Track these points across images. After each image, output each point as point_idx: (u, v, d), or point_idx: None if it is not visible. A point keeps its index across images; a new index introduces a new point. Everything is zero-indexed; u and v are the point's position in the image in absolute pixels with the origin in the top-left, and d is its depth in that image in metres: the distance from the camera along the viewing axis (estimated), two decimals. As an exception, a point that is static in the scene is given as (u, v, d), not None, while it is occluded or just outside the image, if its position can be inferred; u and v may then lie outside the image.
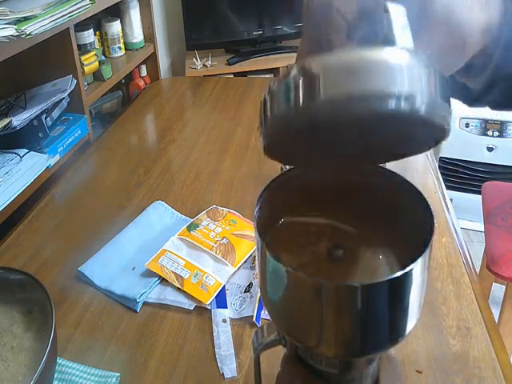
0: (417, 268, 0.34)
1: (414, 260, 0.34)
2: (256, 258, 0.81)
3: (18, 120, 1.07)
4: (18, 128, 1.07)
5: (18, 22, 0.94)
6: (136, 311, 0.76)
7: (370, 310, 0.34)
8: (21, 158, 1.09)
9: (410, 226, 0.41)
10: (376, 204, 0.45)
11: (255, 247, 0.83)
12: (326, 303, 0.34)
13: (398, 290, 0.34)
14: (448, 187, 2.01)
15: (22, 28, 0.93)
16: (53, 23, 1.04)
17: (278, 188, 0.44)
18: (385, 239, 0.41)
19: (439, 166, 2.05)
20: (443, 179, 1.11)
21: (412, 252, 0.39)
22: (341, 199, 0.46)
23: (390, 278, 0.33)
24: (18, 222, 1.00)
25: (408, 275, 0.33)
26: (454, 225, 0.93)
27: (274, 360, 0.66)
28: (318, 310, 0.35)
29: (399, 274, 0.33)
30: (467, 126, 1.99)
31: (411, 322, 0.37)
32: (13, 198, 0.99)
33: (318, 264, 0.39)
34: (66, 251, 0.90)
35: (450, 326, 0.70)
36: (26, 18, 0.96)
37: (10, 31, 0.91)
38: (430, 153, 1.21)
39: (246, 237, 0.87)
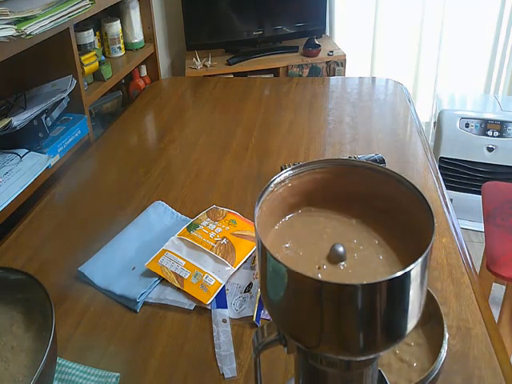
0: (417, 268, 0.34)
1: (414, 260, 0.34)
2: (256, 257, 0.81)
3: (18, 120, 1.07)
4: (18, 128, 1.07)
5: (17, 22, 0.94)
6: (136, 311, 0.76)
7: (370, 310, 0.34)
8: (21, 158, 1.09)
9: (410, 226, 0.41)
10: (376, 204, 0.45)
11: (255, 247, 0.83)
12: (326, 303, 0.34)
13: (398, 290, 0.34)
14: (448, 187, 2.01)
15: (22, 28, 0.93)
16: (53, 23, 1.04)
17: (278, 188, 0.44)
18: (385, 239, 0.41)
19: (439, 166, 2.05)
20: (443, 179, 1.11)
21: (412, 252, 0.39)
22: (341, 199, 0.46)
23: (390, 277, 0.33)
24: (18, 221, 1.00)
25: (408, 275, 0.33)
26: (454, 225, 0.93)
27: (274, 360, 0.66)
28: (318, 310, 0.35)
29: (399, 273, 0.33)
30: (467, 126, 1.99)
31: (411, 322, 0.37)
32: (13, 198, 0.99)
33: (319, 264, 0.39)
34: (66, 251, 0.90)
35: (450, 326, 0.70)
36: (26, 18, 0.96)
37: (10, 31, 0.91)
38: (430, 153, 1.21)
39: (245, 237, 0.87)
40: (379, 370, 0.49)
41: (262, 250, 0.37)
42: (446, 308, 0.73)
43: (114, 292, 0.78)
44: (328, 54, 2.06)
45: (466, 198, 2.06)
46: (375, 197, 0.44)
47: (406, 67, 2.40)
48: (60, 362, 0.66)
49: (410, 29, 2.33)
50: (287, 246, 0.42)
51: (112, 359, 0.68)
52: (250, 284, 0.79)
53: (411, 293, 0.35)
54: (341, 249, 0.39)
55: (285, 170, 0.44)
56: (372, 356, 0.40)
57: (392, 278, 0.33)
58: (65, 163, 1.21)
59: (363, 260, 0.39)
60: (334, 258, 0.39)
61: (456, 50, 2.34)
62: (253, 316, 0.72)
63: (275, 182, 0.43)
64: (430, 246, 0.35)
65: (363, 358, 0.41)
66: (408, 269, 0.33)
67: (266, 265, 0.37)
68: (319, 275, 0.38)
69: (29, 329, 0.62)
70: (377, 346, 0.37)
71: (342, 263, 0.39)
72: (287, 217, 0.45)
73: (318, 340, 0.37)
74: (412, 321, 0.37)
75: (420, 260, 0.34)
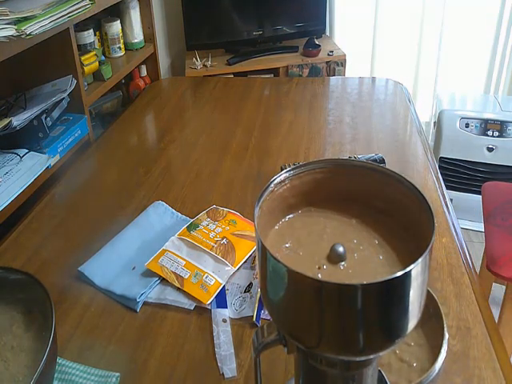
0: (417, 268, 0.34)
1: (414, 260, 0.34)
2: (256, 257, 0.81)
3: (18, 120, 1.07)
4: (18, 128, 1.07)
5: (17, 22, 0.94)
6: (136, 311, 0.76)
7: (370, 310, 0.34)
8: (21, 158, 1.09)
9: (410, 226, 0.41)
10: (376, 204, 0.45)
11: (255, 247, 0.83)
12: (326, 303, 0.34)
13: (398, 289, 0.34)
14: (448, 187, 2.01)
15: (22, 28, 0.93)
16: (53, 23, 1.04)
17: (278, 188, 0.44)
18: (385, 239, 0.41)
19: (439, 166, 2.04)
20: (443, 179, 1.11)
21: (412, 252, 0.39)
22: (341, 199, 0.46)
23: (390, 278, 0.33)
24: (18, 221, 1.00)
25: (408, 275, 0.33)
26: (454, 225, 0.93)
27: (274, 360, 0.66)
28: (318, 309, 0.35)
29: (399, 273, 0.33)
30: (467, 126, 1.99)
31: (411, 322, 0.37)
32: (13, 198, 0.99)
33: (319, 264, 0.39)
34: (66, 251, 0.90)
35: (450, 326, 0.70)
36: (26, 18, 0.96)
37: (10, 31, 0.91)
38: (430, 153, 1.21)
39: (245, 237, 0.87)
40: (379, 370, 0.49)
41: (262, 250, 0.37)
42: (446, 308, 0.73)
43: (114, 292, 0.78)
44: (328, 54, 2.06)
45: (466, 197, 2.06)
46: (375, 197, 0.44)
47: (406, 67, 2.40)
48: (60, 361, 0.66)
49: (410, 29, 2.33)
50: (287, 246, 0.42)
51: (112, 359, 0.68)
52: (250, 284, 0.79)
53: (411, 293, 0.35)
54: (341, 249, 0.39)
55: (285, 170, 0.44)
56: (372, 356, 0.40)
57: (392, 278, 0.33)
58: (65, 163, 1.21)
59: (363, 260, 0.39)
60: (334, 258, 0.39)
61: (456, 50, 2.34)
62: (253, 316, 0.72)
63: (275, 181, 0.44)
64: (430, 245, 0.35)
65: (363, 358, 0.41)
66: (408, 269, 0.33)
67: (266, 265, 0.37)
68: (319, 275, 0.38)
69: (29, 329, 0.62)
70: (377, 345, 0.37)
71: (342, 263, 0.39)
72: (287, 217, 0.45)
73: (318, 340, 0.37)
74: (412, 321, 0.37)
75: (420, 260, 0.34)
